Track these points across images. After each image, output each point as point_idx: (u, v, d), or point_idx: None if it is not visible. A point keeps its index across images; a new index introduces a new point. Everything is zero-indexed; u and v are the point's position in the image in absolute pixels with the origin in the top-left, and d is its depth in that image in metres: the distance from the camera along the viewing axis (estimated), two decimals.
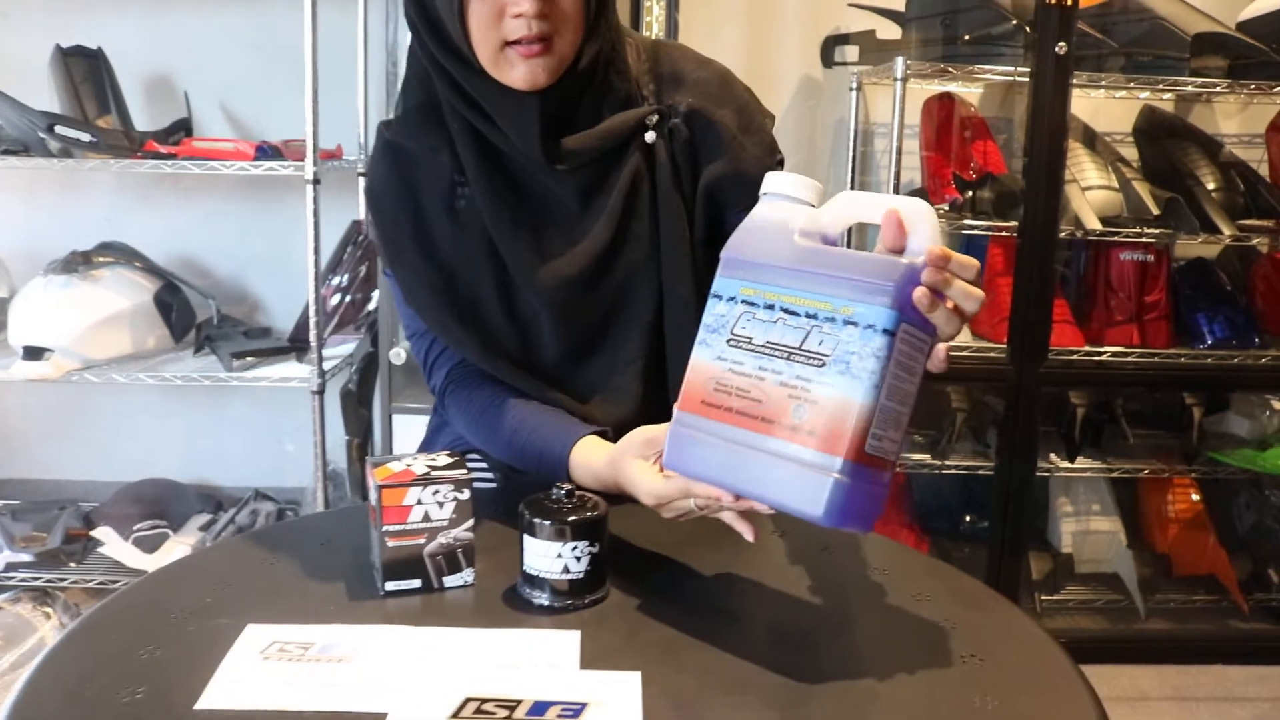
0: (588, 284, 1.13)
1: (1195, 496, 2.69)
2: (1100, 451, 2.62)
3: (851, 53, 2.65)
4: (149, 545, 2.45)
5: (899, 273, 0.77)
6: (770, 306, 0.82)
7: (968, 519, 2.73)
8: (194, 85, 2.57)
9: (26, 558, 2.42)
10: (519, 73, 1.02)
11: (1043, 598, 2.60)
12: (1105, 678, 2.41)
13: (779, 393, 0.80)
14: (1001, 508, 2.42)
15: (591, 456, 1.07)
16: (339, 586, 0.93)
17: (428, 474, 0.91)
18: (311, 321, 2.24)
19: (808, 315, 0.80)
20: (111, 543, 2.46)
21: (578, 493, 0.92)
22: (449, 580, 0.93)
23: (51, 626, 2.27)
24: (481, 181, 1.11)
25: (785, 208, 0.85)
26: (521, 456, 1.13)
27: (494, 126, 1.08)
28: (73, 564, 2.45)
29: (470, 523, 0.93)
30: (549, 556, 0.88)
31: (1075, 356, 2.43)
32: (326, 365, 2.31)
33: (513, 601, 0.91)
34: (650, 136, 1.12)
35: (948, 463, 2.50)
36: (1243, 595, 2.60)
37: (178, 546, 2.43)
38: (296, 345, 2.43)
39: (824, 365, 0.78)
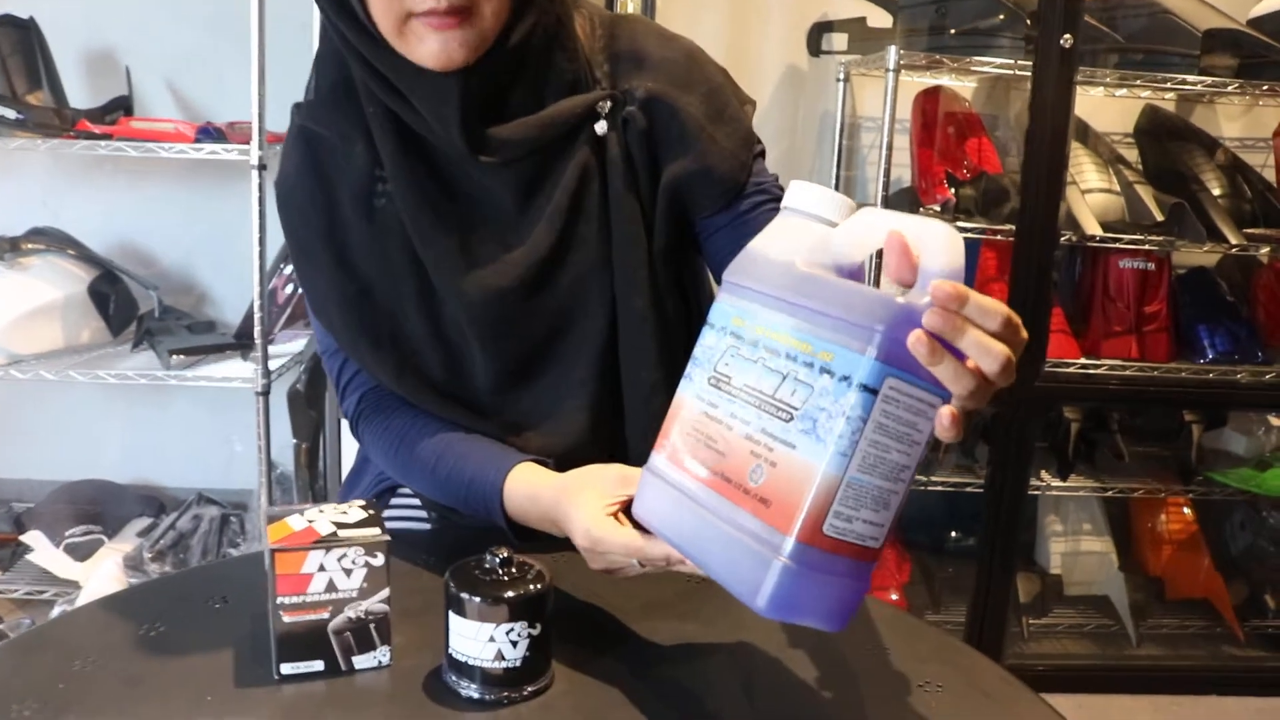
0: (525, 297, 0.97)
1: (1190, 516, 2.57)
2: (1093, 468, 2.49)
3: (840, 41, 2.51)
4: (81, 553, 2.30)
5: (890, 314, 0.61)
6: (755, 343, 0.68)
7: (953, 535, 2.60)
8: (138, 61, 2.39)
9: None
10: (429, 49, 0.86)
11: (1030, 621, 2.47)
12: (1096, 709, 2.28)
13: (742, 447, 0.67)
14: (991, 527, 2.29)
15: (534, 482, 0.92)
16: (226, 665, 0.77)
17: (334, 534, 0.76)
18: (256, 318, 2.08)
19: (788, 357, 0.66)
20: (41, 549, 2.29)
21: (516, 559, 0.76)
22: (359, 661, 0.78)
23: None
24: (400, 175, 0.94)
25: (800, 226, 0.70)
26: (446, 487, 0.97)
27: (413, 110, 0.92)
28: None
29: (385, 593, 0.77)
30: (479, 640, 0.73)
31: (1071, 369, 2.29)
32: (275, 363, 2.15)
33: (435, 690, 0.76)
34: (601, 127, 0.96)
35: (934, 479, 2.36)
36: (1238, 621, 2.48)
37: (111, 555, 2.26)
38: (242, 342, 2.26)
39: (790, 420, 0.64)
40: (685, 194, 0.98)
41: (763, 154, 1.04)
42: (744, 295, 0.71)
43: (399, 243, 0.97)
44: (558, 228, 0.96)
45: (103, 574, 2.17)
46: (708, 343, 0.73)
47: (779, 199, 0.76)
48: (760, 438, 0.65)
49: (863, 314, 0.62)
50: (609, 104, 0.96)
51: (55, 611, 2.18)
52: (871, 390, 0.61)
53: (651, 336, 0.99)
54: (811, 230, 0.69)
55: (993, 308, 0.61)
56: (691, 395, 0.72)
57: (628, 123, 0.97)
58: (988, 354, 0.60)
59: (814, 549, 0.62)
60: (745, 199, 1.00)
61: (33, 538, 2.31)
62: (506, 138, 0.92)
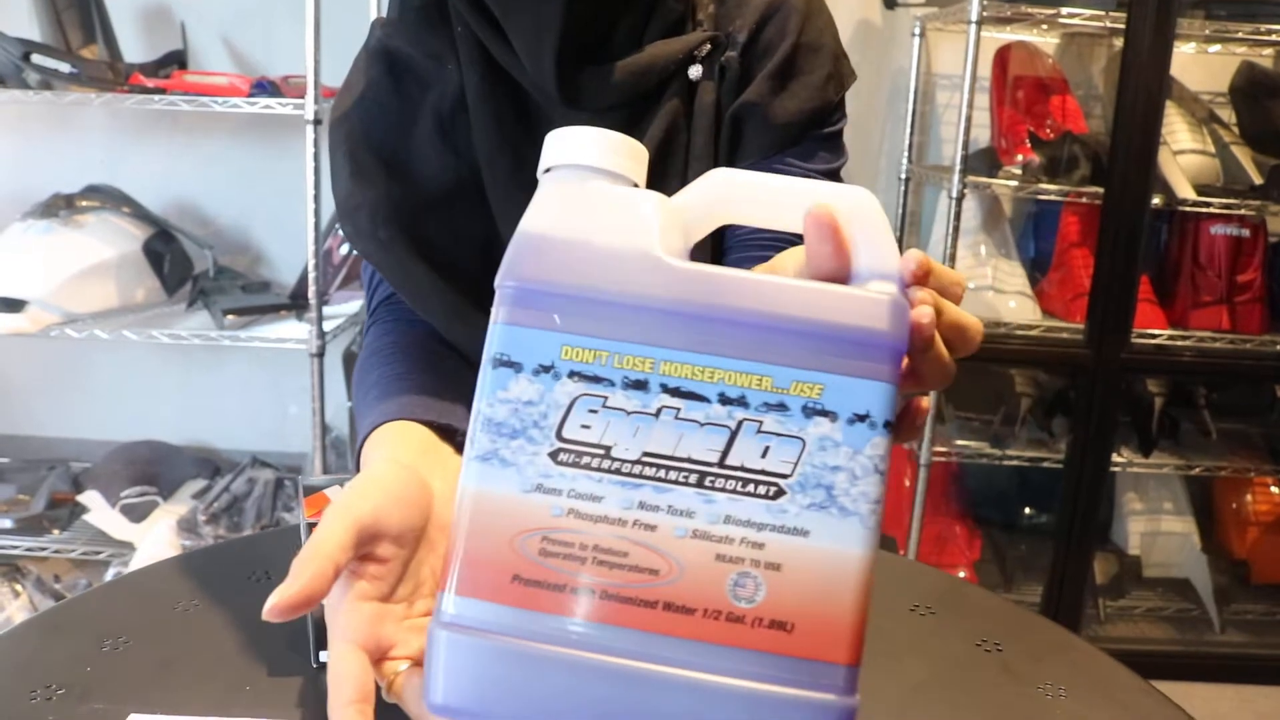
0: None
1: (1278, 497, 2.44)
2: (1176, 445, 2.37)
3: None
4: (136, 514, 2.28)
5: (895, 315, 0.44)
6: (640, 384, 0.44)
7: (1027, 511, 2.50)
8: (192, 15, 2.34)
9: (7, 524, 2.26)
10: None
11: (1106, 603, 2.37)
12: (1176, 697, 2.16)
13: (697, 554, 0.43)
14: (1070, 505, 2.19)
15: (375, 464, 0.66)
16: (265, 651, 0.71)
17: None
18: (310, 277, 2.02)
19: (725, 400, 0.44)
20: (97, 510, 2.28)
21: None
22: None
23: (20, 605, 2.09)
24: (483, 109, 0.84)
25: (606, 193, 0.47)
26: (353, 404, 0.83)
27: (503, 41, 0.82)
28: (55, 531, 2.28)
29: None
30: None
31: (1157, 341, 2.18)
32: (330, 324, 2.10)
33: None
34: (695, 72, 0.85)
35: (1009, 453, 2.26)
36: None
37: (165, 517, 2.24)
38: (297, 302, 2.22)
39: (780, 495, 0.43)
40: (739, 126, 0.87)
41: (838, 135, 0.91)
42: (579, 309, 0.45)
43: (473, 176, 0.87)
44: None
45: (156, 537, 2.15)
46: (516, 394, 0.45)
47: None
48: (730, 532, 0.43)
49: (861, 320, 0.44)
50: (708, 47, 0.86)
51: (109, 573, 2.17)
52: (890, 425, 0.44)
53: None
54: (636, 198, 0.47)
55: (955, 276, 0.49)
56: (520, 488, 0.44)
57: (725, 70, 0.86)
58: (965, 332, 0.49)
59: (858, 670, 0.43)
60: (788, 165, 0.87)
61: (89, 498, 2.31)
62: (600, 85, 0.83)
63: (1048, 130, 2.21)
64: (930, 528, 2.31)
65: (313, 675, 0.69)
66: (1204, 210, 2.16)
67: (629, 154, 0.48)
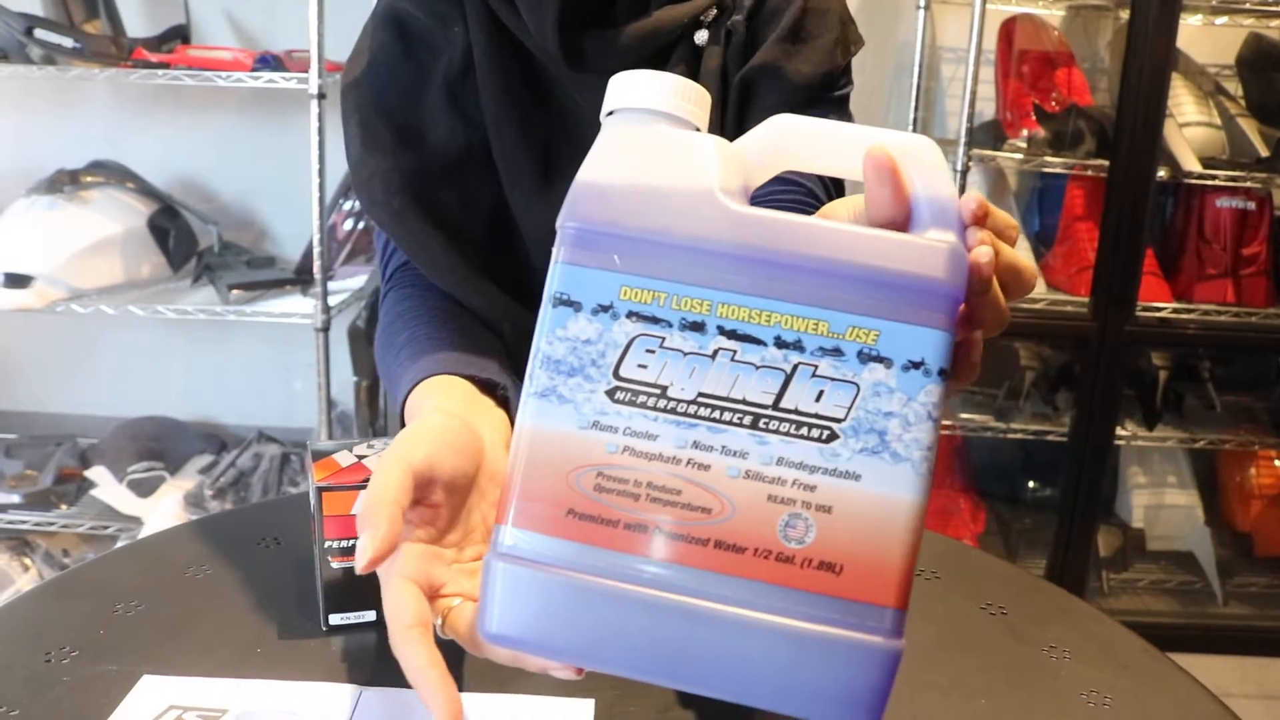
0: None
1: None
2: (1180, 418, 2.38)
3: None
4: (144, 489, 2.29)
5: (954, 263, 0.44)
6: (697, 326, 0.45)
7: (1031, 485, 2.50)
8: None
9: (15, 499, 2.27)
10: None
11: (1110, 576, 2.38)
12: None
13: (749, 493, 0.44)
14: (1074, 479, 2.19)
15: (426, 414, 0.63)
16: (275, 614, 0.72)
17: None
18: (315, 252, 2.03)
19: (781, 344, 0.44)
20: (105, 485, 2.30)
21: None
22: None
23: (29, 579, 2.11)
24: (489, 72, 0.84)
25: (668, 137, 0.48)
26: (381, 364, 0.83)
27: (508, 4, 0.81)
28: (63, 506, 2.30)
29: None
30: None
31: (1162, 314, 2.18)
32: (335, 299, 2.11)
33: None
34: (701, 37, 0.85)
35: (1013, 426, 2.27)
36: None
37: (172, 492, 2.26)
38: (302, 277, 2.23)
39: (833, 439, 0.44)
40: (751, 93, 0.87)
41: (844, 100, 0.91)
42: (638, 251, 0.45)
43: (482, 142, 0.87)
44: None
45: (163, 512, 2.16)
46: (575, 332, 0.45)
47: None
48: (782, 474, 0.44)
49: (917, 267, 0.44)
50: (714, 12, 0.86)
51: (117, 548, 2.19)
52: (946, 374, 0.44)
53: None
54: (700, 143, 0.47)
55: (1009, 219, 0.49)
56: (577, 424, 0.45)
57: (730, 34, 0.86)
58: (1020, 275, 0.48)
59: (905, 614, 0.44)
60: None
61: (97, 473, 2.32)
62: (602, 50, 0.82)
63: (1053, 103, 2.21)
64: (934, 501, 2.32)
65: (323, 637, 0.70)
66: (1209, 183, 2.16)
67: (692, 98, 0.48)
